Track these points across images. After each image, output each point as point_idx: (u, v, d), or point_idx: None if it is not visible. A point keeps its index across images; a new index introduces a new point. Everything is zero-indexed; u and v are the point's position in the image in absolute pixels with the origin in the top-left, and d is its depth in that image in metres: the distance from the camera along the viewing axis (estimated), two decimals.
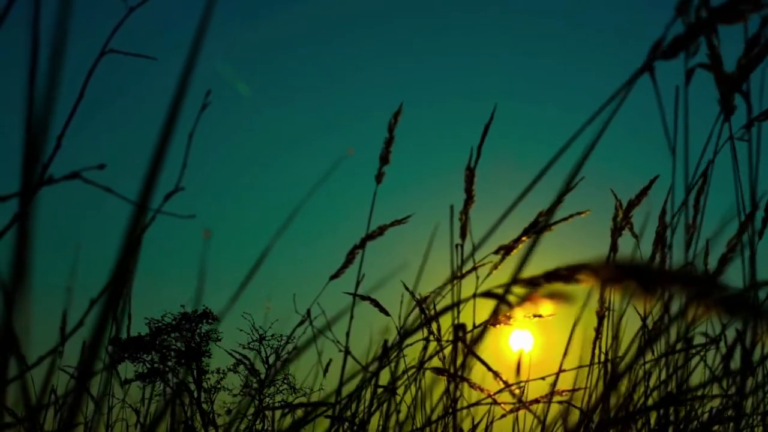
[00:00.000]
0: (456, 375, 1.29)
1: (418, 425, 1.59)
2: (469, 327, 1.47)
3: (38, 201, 0.52)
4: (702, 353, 1.39)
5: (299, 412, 1.63)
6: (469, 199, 1.68)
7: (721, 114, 1.04)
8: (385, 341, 1.19)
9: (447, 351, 1.50)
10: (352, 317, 1.48)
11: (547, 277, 0.72)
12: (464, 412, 1.53)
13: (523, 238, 1.58)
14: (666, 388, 1.25)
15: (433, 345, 1.51)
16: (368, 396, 1.37)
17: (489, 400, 1.50)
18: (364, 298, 1.68)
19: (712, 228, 1.24)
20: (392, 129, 1.72)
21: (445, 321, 1.62)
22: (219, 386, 9.22)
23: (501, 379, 1.47)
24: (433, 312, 1.46)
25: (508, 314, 0.97)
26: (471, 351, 1.18)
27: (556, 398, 1.56)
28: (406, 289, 1.81)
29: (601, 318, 1.83)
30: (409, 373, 1.46)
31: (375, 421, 1.45)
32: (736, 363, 1.14)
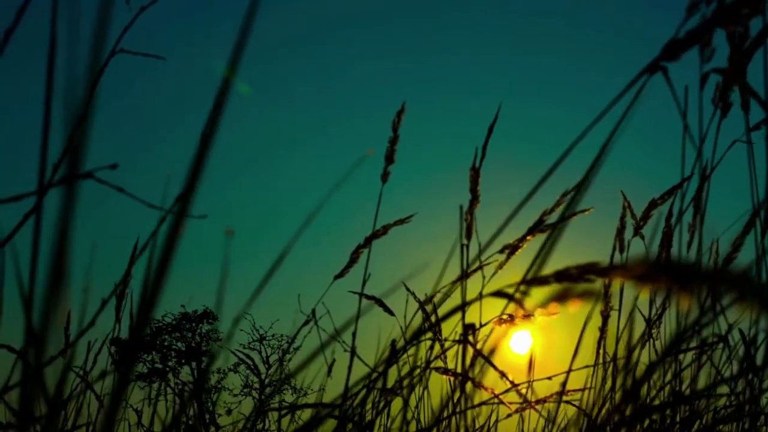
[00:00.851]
0: (465, 376, 1.29)
1: (424, 425, 1.59)
2: (476, 327, 1.47)
3: (76, 203, 0.51)
4: (709, 352, 1.39)
5: (306, 414, 1.63)
6: (474, 200, 1.67)
7: (741, 115, 1.04)
8: (393, 341, 1.18)
9: (451, 353, 1.49)
10: (358, 317, 1.48)
11: (557, 276, 0.72)
12: (473, 411, 1.53)
13: (528, 237, 1.57)
14: (684, 386, 1.25)
15: (439, 345, 1.51)
16: (376, 397, 1.37)
17: (495, 400, 1.49)
18: (369, 297, 1.68)
19: (722, 229, 1.24)
20: (396, 128, 1.71)
21: (452, 320, 1.61)
22: (219, 386, 9.22)
23: (507, 379, 1.46)
24: (434, 318, 1.45)
25: (525, 313, 0.97)
26: (479, 352, 1.18)
27: (564, 398, 1.56)
28: (410, 292, 1.81)
29: (605, 318, 1.83)
30: (416, 373, 1.46)
31: (380, 421, 1.45)
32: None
